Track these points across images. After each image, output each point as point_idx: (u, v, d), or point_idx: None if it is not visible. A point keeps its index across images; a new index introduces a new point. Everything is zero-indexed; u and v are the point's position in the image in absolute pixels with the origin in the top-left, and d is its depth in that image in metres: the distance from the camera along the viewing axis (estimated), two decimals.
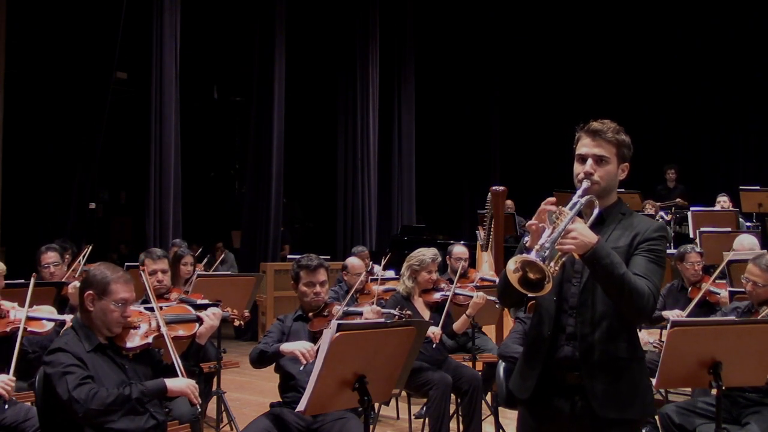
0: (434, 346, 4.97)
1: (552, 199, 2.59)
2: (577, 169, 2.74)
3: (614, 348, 2.67)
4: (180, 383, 3.30)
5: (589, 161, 2.70)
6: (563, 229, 2.49)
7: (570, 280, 2.73)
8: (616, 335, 2.67)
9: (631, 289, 2.53)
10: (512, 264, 2.46)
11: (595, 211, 2.65)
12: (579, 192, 2.66)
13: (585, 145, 2.73)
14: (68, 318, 4.15)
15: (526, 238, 2.61)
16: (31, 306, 4.07)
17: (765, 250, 5.77)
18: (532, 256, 2.43)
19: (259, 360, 3.96)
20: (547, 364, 2.74)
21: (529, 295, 2.55)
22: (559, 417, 2.74)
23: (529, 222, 2.59)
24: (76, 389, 3.07)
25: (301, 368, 3.73)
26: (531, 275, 2.44)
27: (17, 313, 4.04)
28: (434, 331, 4.95)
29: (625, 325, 2.69)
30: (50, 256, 5.84)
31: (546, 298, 2.70)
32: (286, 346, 3.84)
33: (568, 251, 2.52)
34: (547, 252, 2.45)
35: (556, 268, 2.51)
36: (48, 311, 4.19)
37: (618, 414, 2.66)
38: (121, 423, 3.14)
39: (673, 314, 5.50)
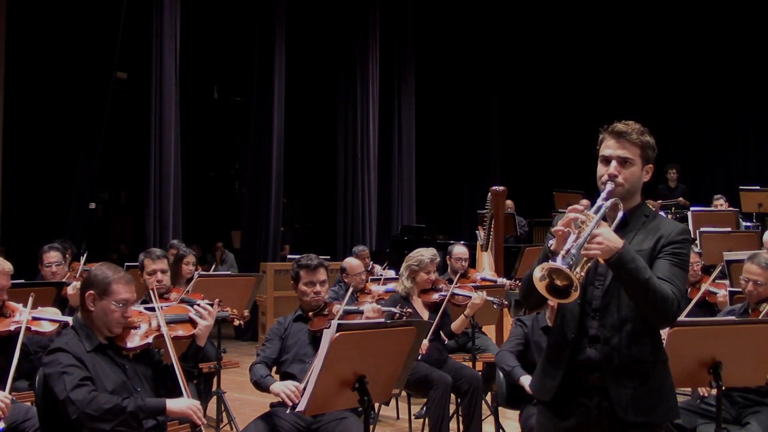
0: (420, 357, 4.87)
1: (578, 207, 2.57)
2: (601, 170, 2.70)
3: (638, 351, 2.64)
4: (181, 404, 3.25)
5: (613, 163, 2.67)
6: (589, 234, 2.46)
7: (593, 283, 2.71)
8: (640, 338, 2.65)
9: (656, 293, 2.51)
10: (538, 272, 2.42)
11: (620, 214, 2.63)
12: (603, 195, 2.63)
13: (609, 147, 2.70)
14: (72, 320, 4.14)
15: (551, 242, 2.59)
16: (35, 307, 4.07)
17: (762, 250, 5.77)
18: (559, 263, 2.40)
19: (256, 387, 3.93)
20: (570, 366, 2.72)
21: (556, 302, 2.55)
22: (579, 416, 2.72)
23: (555, 227, 2.56)
24: (74, 390, 3.06)
25: (288, 411, 3.60)
26: (558, 282, 2.42)
27: (22, 313, 4.04)
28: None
29: (648, 328, 2.66)
30: (52, 256, 5.85)
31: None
32: (274, 387, 3.74)
33: (594, 256, 2.50)
34: (573, 258, 2.42)
35: (582, 273, 2.50)
36: (52, 312, 4.18)
37: (643, 418, 2.64)
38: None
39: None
